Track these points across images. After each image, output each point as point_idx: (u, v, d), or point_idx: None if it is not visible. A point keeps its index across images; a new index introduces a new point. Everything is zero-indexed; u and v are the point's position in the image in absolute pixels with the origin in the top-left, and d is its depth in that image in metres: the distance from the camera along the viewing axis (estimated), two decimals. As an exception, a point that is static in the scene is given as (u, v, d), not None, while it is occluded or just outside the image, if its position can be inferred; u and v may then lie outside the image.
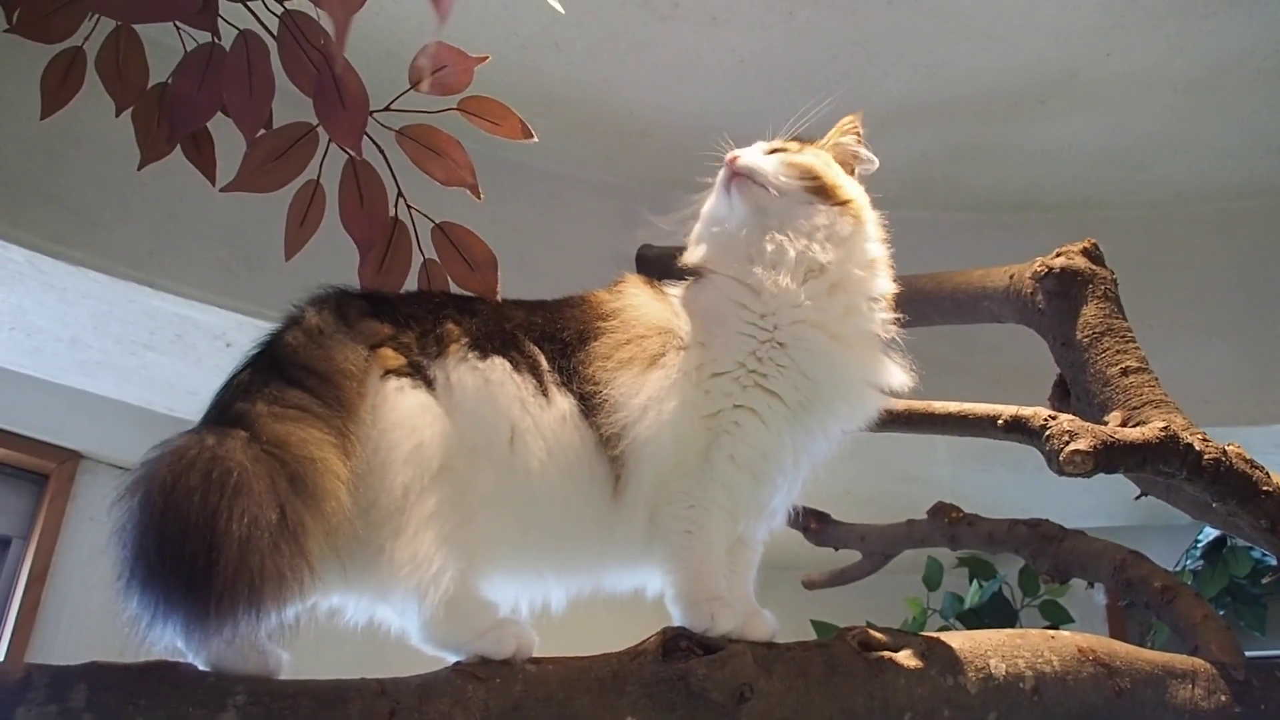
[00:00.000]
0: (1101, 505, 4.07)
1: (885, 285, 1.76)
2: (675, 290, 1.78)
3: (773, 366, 1.67)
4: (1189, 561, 3.96)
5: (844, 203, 1.74)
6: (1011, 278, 2.30)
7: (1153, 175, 3.79)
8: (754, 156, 1.76)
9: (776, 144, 1.83)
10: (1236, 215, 3.88)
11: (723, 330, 1.69)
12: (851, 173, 1.82)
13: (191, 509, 1.29)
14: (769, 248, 1.70)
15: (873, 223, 1.77)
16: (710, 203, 1.81)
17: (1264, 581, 3.81)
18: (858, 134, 1.83)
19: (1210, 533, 4.00)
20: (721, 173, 1.77)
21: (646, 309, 1.72)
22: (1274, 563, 3.87)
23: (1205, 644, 1.91)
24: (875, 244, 1.76)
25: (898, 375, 1.72)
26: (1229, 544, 3.96)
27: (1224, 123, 3.57)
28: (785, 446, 1.69)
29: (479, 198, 1.85)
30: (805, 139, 1.85)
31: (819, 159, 1.80)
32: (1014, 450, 3.72)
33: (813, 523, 2.93)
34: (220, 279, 3.16)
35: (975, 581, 4.04)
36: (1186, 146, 3.68)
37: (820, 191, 1.74)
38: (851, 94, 3.43)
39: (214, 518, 1.29)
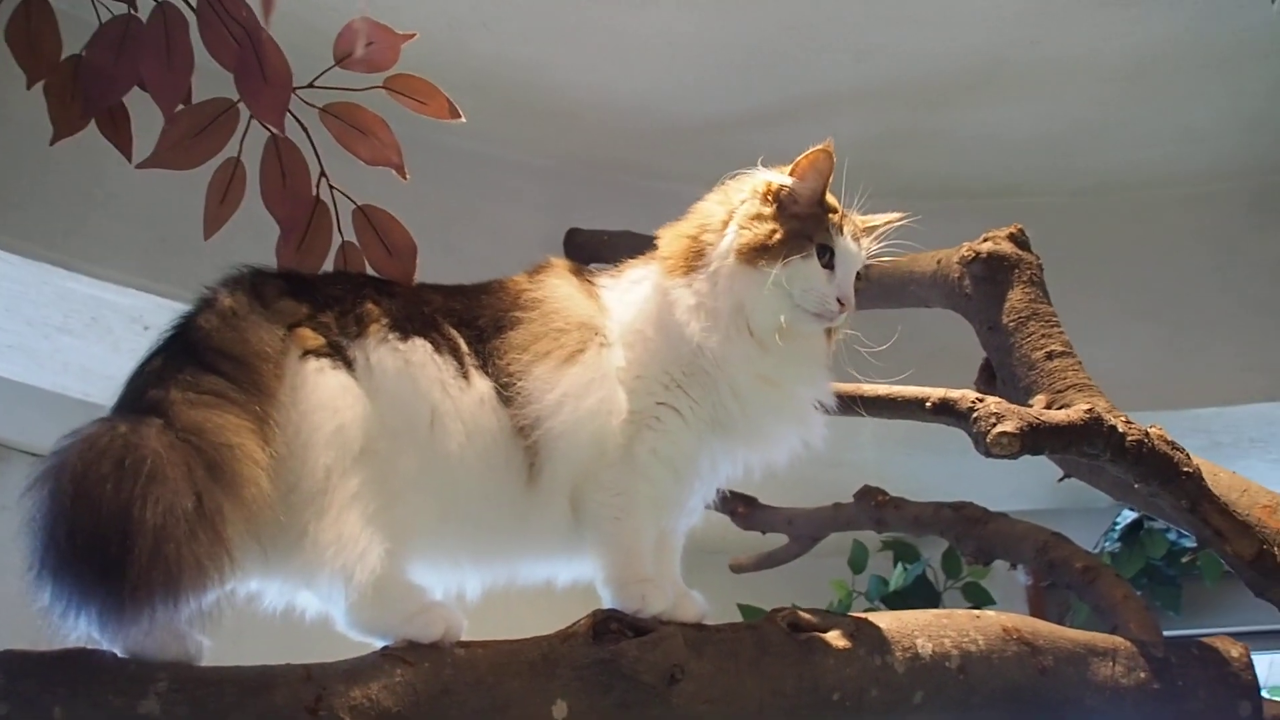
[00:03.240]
0: (1022, 489, 4.12)
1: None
2: (606, 280, 1.76)
3: (698, 384, 1.68)
4: (1107, 543, 4.03)
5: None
6: (939, 263, 2.31)
7: (1076, 163, 3.83)
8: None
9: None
10: (1156, 205, 3.93)
11: (657, 336, 1.69)
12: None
13: (104, 497, 1.26)
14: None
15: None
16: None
17: (1183, 561, 3.88)
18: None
19: (1128, 515, 4.07)
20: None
21: (569, 302, 1.70)
22: (1190, 545, 3.96)
23: (1125, 623, 1.94)
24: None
25: (817, 430, 1.74)
26: (1145, 527, 4.03)
27: (1147, 112, 3.61)
28: (704, 450, 1.71)
29: (405, 178, 1.82)
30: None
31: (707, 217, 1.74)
32: (937, 435, 3.75)
33: (740, 507, 2.94)
34: (137, 260, 3.09)
35: (899, 565, 4.08)
36: (1110, 135, 3.72)
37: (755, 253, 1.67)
38: (782, 78, 3.45)
39: (128, 506, 1.26)
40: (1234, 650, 1.84)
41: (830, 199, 1.73)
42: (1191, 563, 3.93)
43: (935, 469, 4.10)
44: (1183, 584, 3.97)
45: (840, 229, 1.70)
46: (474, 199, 3.66)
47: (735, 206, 1.72)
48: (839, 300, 1.67)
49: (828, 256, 1.68)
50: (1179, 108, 3.60)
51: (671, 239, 1.76)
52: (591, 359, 1.64)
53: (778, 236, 1.66)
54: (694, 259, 1.71)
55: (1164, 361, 3.70)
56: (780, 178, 1.71)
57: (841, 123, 3.56)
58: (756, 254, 1.66)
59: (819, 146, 1.69)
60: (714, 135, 3.63)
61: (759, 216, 1.68)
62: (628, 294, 1.73)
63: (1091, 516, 4.04)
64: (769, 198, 1.70)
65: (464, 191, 3.64)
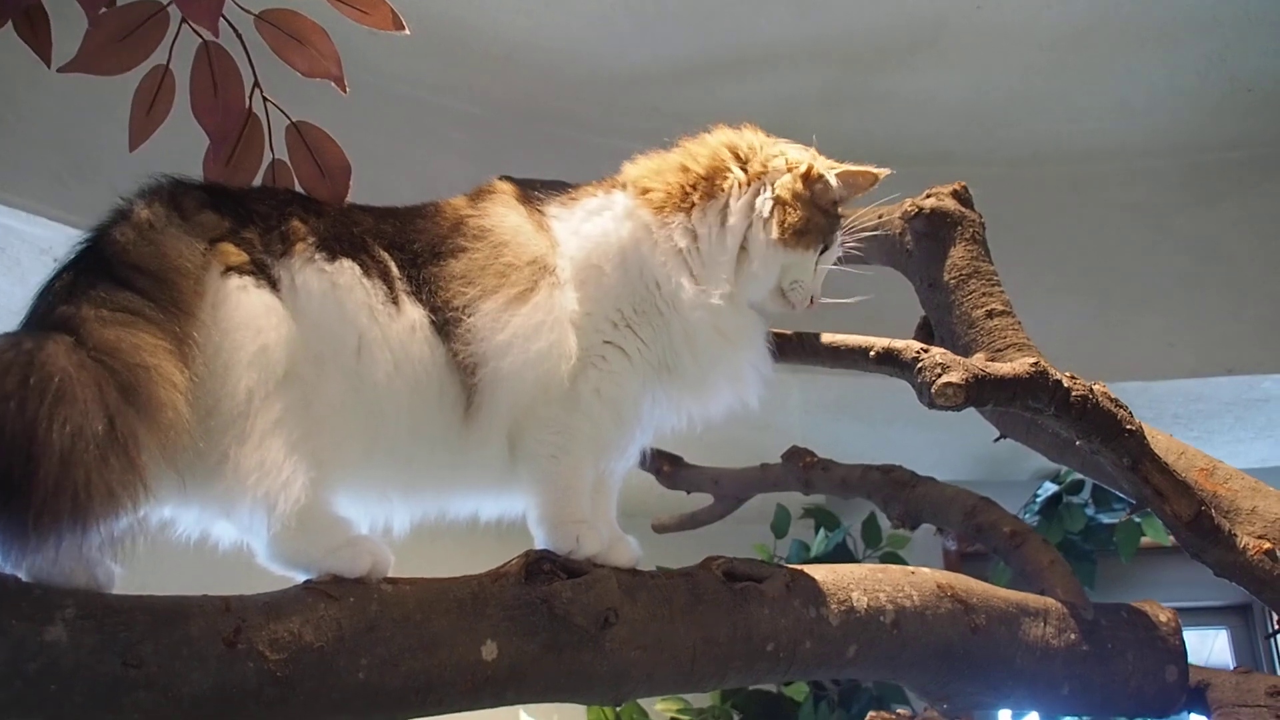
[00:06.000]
0: (945, 459, 4.15)
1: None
2: (557, 210, 1.70)
3: (649, 325, 1.65)
4: (1026, 516, 4.08)
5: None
6: (879, 218, 2.28)
7: (1012, 133, 3.85)
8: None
9: None
10: (1090, 178, 3.98)
11: (614, 273, 1.65)
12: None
13: (6, 416, 1.17)
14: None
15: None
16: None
17: (1122, 520, 3.94)
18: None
19: (1048, 488, 4.13)
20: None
21: (519, 234, 1.64)
22: (1107, 521, 4.02)
23: (1051, 587, 1.97)
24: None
25: (754, 391, 1.74)
26: (1064, 501, 4.10)
27: (1083, 84, 3.64)
28: (647, 394, 1.67)
29: (344, 91, 1.75)
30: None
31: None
32: (864, 401, 3.78)
33: (665, 465, 2.90)
34: (49, 188, 2.96)
35: (820, 531, 4.08)
36: (1046, 105, 3.74)
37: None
38: (722, 31, 3.41)
39: (32, 427, 1.17)
40: (1162, 615, 1.87)
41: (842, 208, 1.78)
42: (1108, 538, 3.99)
43: (860, 436, 4.12)
44: (1098, 559, 4.03)
45: (838, 237, 1.76)
46: (402, 143, 3.57)
47: (765, 169, 1.72)
48: (810, 298, 1.73)
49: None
50: (1116, 80, 3.63)
51: (662, 171, 1.73)
52: (543, 300, 1.59)
53: (809, 225, 1.70)
54: (699, 197, 1.69)
55: (1091, 334, 3.75)
56: (826, 169, 1.73)
57: (780, 80, 3.54)
58: (796, 237, 1.69)
59: (877, 169, 1.77)
60: (649, 87, 3.59)
61: (798, 196, 1.70)
62: (584, 226, 1.68)
63: (1012, 489, 4.08)
64: (807, 181, 1.71)
65: (392, 135, 3.55)
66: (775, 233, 1.67)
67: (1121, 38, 3.43)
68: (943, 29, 3.38)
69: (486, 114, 3.70)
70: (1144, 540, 3.96)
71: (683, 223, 1.67)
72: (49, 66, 1.69)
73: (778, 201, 1.69)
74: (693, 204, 1.68)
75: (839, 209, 1.77)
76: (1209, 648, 4.59)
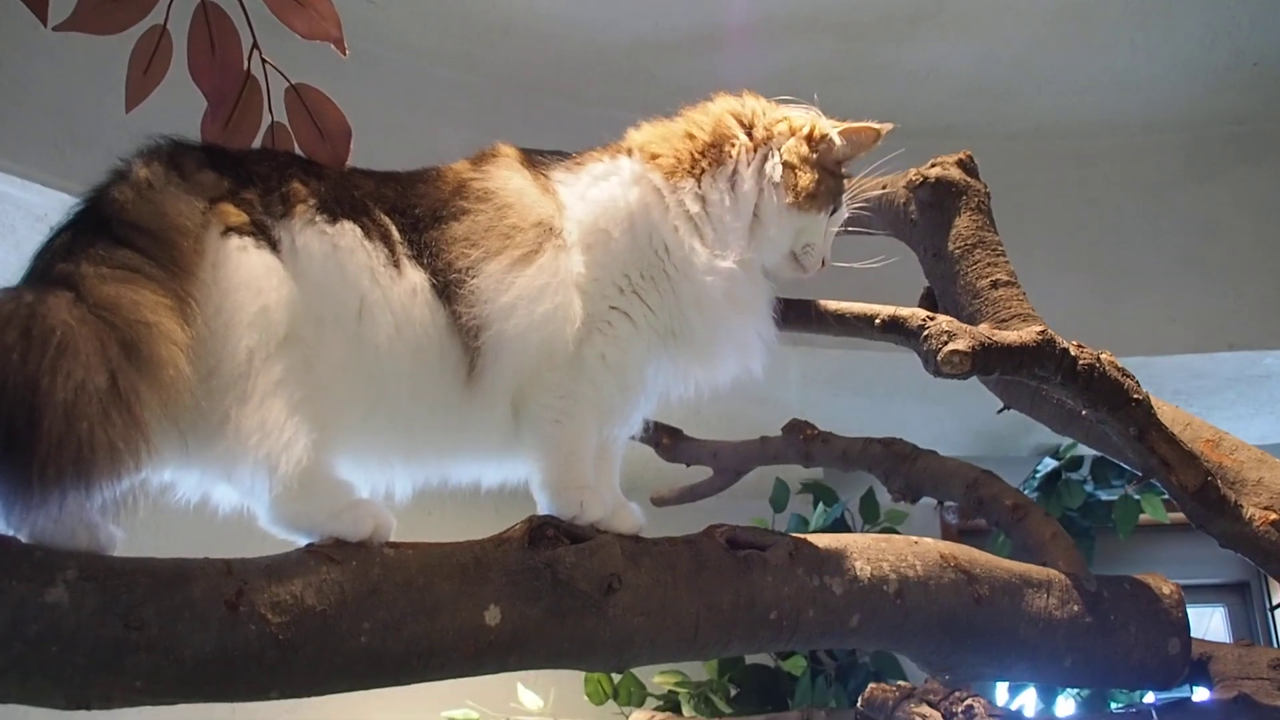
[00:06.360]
0: (945, 434, 4.13)
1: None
2: (562, 175, 1.68)
3: (656, 291, 1.64)
4: (1025, 492, 4.05)
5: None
6: (884, 188, 2.27)
7: (1014, 107, 3.82)
8: None
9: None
10: (1091, 153, 3.96)
11: (622, 237, 1.63)
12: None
13: (8, 368, 1.16)
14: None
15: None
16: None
17: (1126, 489, 3.93)
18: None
19: (1048, 464, 4.12)
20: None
21: (523, 197, 1.62)
22: (1106, 498, 4.02)
23: (1053, 560, 1.94)
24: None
25: (759, 359, 1.73)
26: (1063, 477, 4.08)
27: (1088, 57, 3.61)
28: (652, 361, 1.66)
29: (344, 53, 1.73)
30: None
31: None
32: (863, 375, 3.77)
33: (664, 438, 2.89)
34: (45, 156, 2.93)
35: (819, 506, 4.07)
36: (1049, 79, 3.72)
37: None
38: (723, 1, 3.37)
39: (35, 378, 1.16)
40: (1165, 588, 1.86)
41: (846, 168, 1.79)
42: (1107, 515, 3.98)
43: (859, 410, 4.10)
44: (1096, 536, 4.02)
45: (845, 198, 1.78)
46: (398, 113, 3.54)
47: (771, 133, 1.73)
48: (821, 261, 1.75)
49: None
50: (1118, 53, 3.61)
51: (668, 137, 1.73)
52: (548, 262, 1.57)
53: (819, 188, 1.70)
54: (708, 164, 1.69)
55: (1091, 310, 3.72)
56: (830, 128, 1.73)
57: (781, 51, 3.51)
58: (809, 200, 1.69)
59: (877, 125, 1.77)
60: (649, 58, 3.56)
61: (805, 159, 1.71)
62: (591, 190, 1.66)
63: (1011, 465, 4.06)
64: (811, 142, 1.72)
65: (387, 105, 3.52)
66: (788, 197, 1.68)
67: (1124, 10, 3.40)
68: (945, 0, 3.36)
69: (484, 83, 3.66)
70: (1142, 517, 3.94)
71: (693, 188, 1.66)
72: (45, 25, 1.67)
73: (787, 166, 1.69)
74: (702, 170, 1.68)
75: (844, 169, 1.78)
76: (1205, 626, 4.59)
